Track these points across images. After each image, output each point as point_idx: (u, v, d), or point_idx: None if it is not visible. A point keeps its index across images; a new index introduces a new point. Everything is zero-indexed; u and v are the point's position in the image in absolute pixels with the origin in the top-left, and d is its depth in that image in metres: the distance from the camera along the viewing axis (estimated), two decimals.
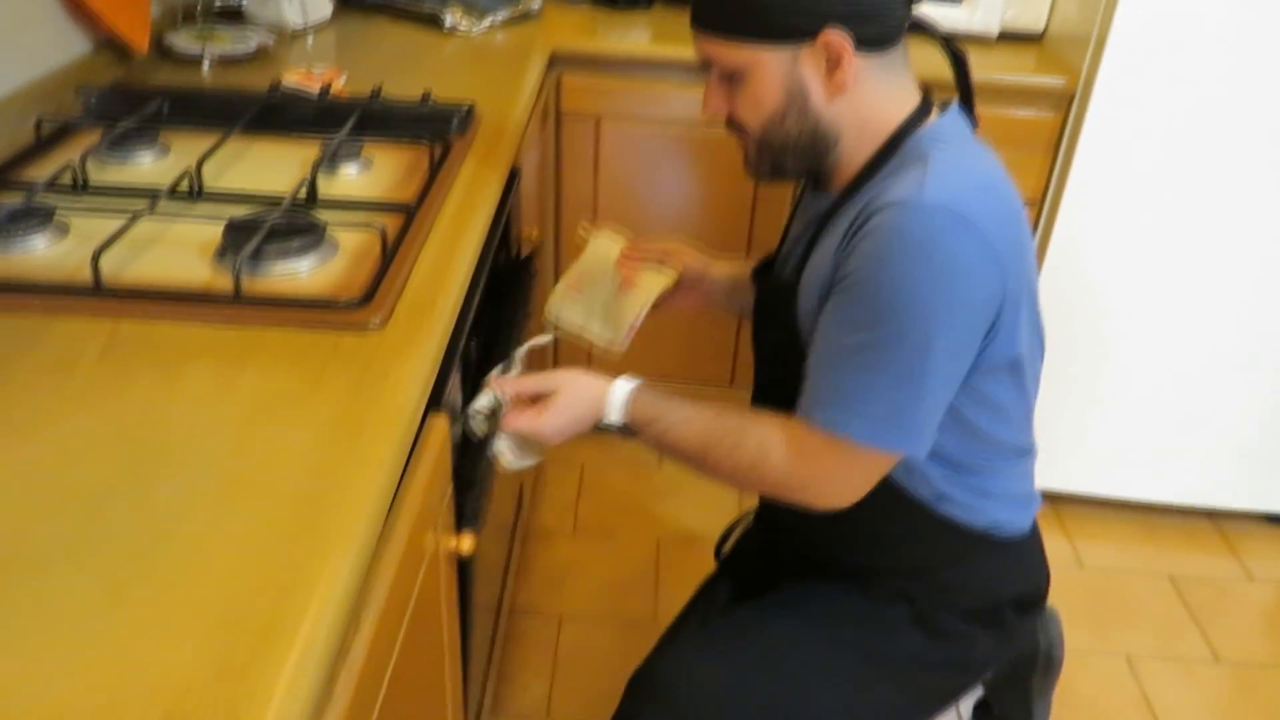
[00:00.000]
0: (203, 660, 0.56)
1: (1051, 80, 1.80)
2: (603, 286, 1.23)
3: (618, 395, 1.04)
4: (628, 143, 1.97)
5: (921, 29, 1.01)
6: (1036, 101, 1.82)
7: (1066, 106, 1.81)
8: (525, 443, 1.06)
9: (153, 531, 0.66)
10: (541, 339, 1.18)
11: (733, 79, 0.99)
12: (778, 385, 1.15)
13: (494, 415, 1.04)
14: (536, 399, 1.05)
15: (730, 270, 1.28)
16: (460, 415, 1.04)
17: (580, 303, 1.24)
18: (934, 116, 1.01)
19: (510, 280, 1.38)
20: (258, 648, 0.57)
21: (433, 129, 1.35)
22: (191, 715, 0.53)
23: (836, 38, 0.93)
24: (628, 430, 1.06)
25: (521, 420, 1.03)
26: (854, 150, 1.00)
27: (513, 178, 1.41)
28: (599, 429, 1.07)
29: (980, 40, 1.96)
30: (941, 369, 0.94)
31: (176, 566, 0.63)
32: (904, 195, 0.90)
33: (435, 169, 1.23)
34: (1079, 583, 1.94)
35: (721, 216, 2.01)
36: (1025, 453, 1.13)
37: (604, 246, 1.24)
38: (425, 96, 1.45)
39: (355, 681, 0.66)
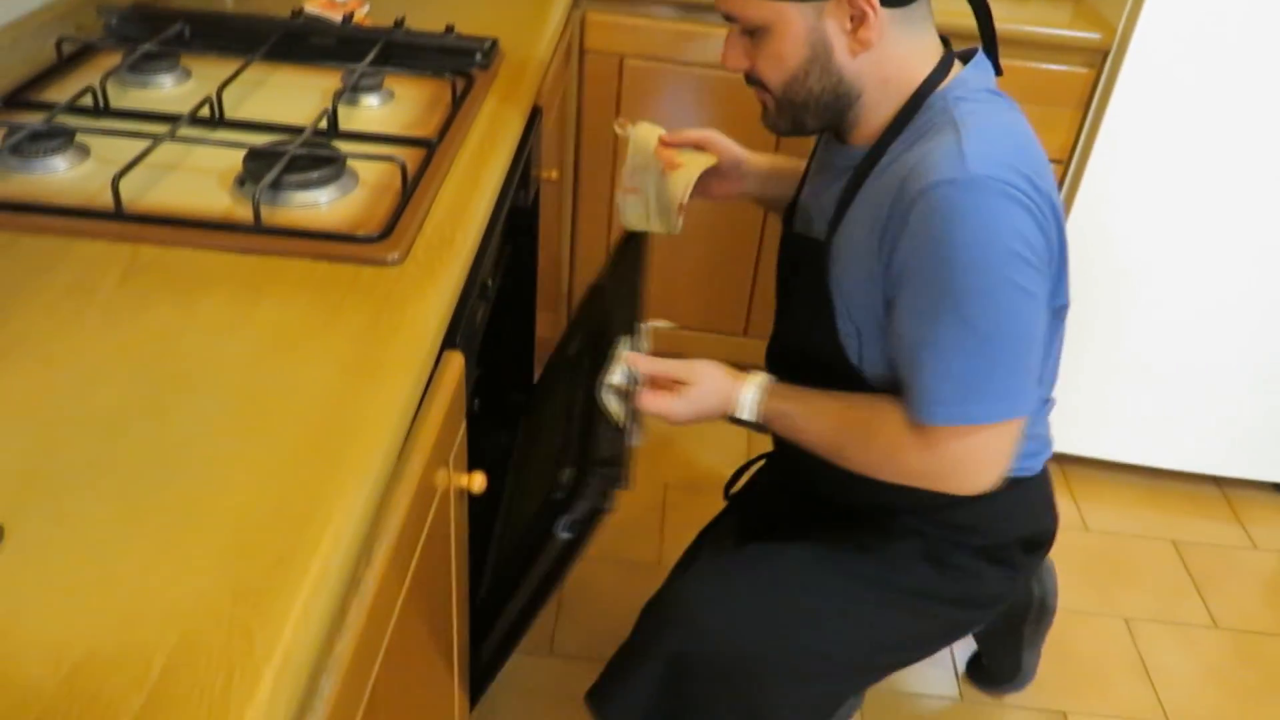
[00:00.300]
0: (219, 584, 0.57)
1: (1086, 35, 1.76)
2: (650, 177, 1.23)
3: (749, 395, 1.06)
4: (651, 83, 1.94)
5: None
6: (1069, 57, 1.78)
7: (1100, 63, 1.77)
8: (646, 420, 1.07)
9: (170, 456, 0.67)
10: (664, 323, 1.18)
11: (755, 34, 0.98)
12: (796, 352, 1.15)
13: (624, 391, 1.04)
14: (670, 382, 1.06)
15: (767, 161, 1.28)
16: (595, 386, 1.04)
17: (639, 200, 1.24)
18: (956, 70, 0.99)
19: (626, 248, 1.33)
20: (273, 574, 0.58)
21: (455, 63, 1.33)
22: (207, 637, 0.54)
23: None
24: (758, 426, 1.08)
25: (657, 404, 1.05)
26: (875, 106, 1.00)
27: (534, 116, 1.39)
28: (728, 420, 1.09)
29: None
30: (1032, 325, 0.95)
31: (194, 491, 0.64)
32: (948, 172, 0.89)
33: (457, 104, 1.22)
34: (1083, 544, 1.95)
35: None
36: (1045, 400, 1.15)
37: (643, 136, 1.23)
38: (449, 29, 1.43)
39: (366, 611, 0.67)
